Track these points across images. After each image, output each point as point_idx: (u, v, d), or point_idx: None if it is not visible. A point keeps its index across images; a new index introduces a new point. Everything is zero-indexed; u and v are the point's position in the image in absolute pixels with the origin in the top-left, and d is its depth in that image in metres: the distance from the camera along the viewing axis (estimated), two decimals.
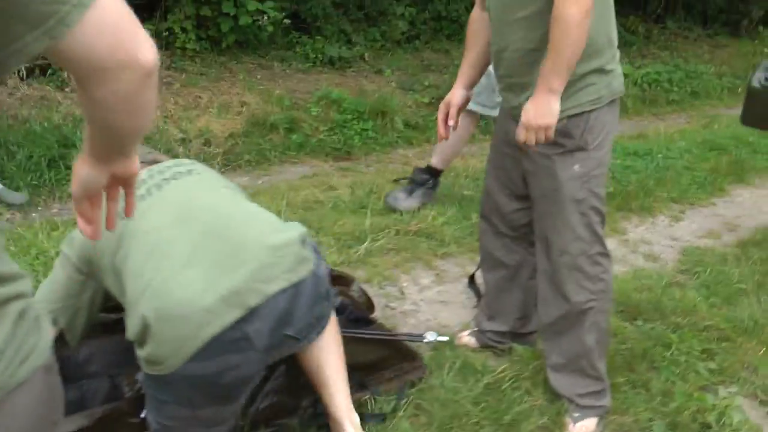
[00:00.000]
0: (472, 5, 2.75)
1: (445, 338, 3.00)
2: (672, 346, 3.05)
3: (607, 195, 4.57)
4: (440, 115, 2.79)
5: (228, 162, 5.37)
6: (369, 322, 2.91)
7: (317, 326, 2.21)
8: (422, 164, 4.66)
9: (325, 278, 2.24)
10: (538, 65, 2.33)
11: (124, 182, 1.27)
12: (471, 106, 4.23)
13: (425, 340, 2.95)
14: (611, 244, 4.04)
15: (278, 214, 4.26)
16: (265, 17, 6.37)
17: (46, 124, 4.89)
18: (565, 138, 2.39)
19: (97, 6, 0.90)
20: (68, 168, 4.65)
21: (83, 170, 1.20)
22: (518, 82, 2.46)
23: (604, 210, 2.53)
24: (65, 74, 5.44)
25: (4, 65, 0.88)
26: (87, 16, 0.89)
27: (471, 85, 2.79)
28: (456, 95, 2.77)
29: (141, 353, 2.02)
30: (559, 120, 2.31)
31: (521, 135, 2.35)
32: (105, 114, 1.03)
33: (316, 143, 5.80)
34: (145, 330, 1.97)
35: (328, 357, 2.31)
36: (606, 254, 2.55)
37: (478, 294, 3.47)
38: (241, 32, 6.57)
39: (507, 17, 2.41)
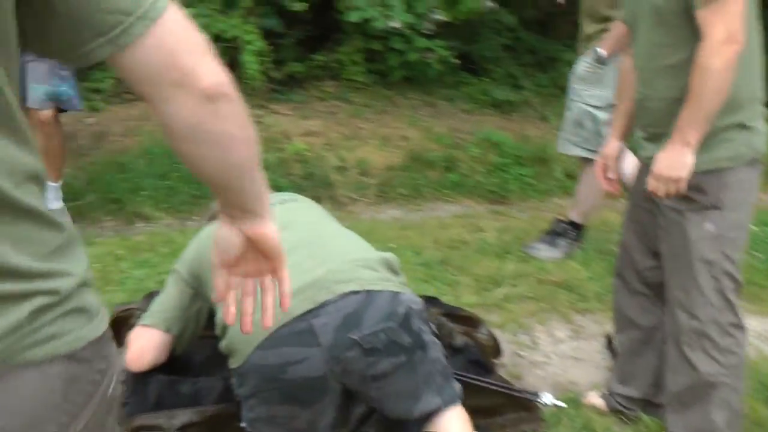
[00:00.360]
0: None
1: (563, 404, 2.82)
2: None
3: None
4: (599, 171, 2.77)
5: (382, 193, 5.45)
6: (487, 367, 2.84)
7: (390, 351, 2.09)
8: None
9: (410, 307, 2.17)
10: None
11: (265, 253, 1.24)
12: (582, 153, 4.12)
13: (541, 401, 2.79)
14: (765, 323, 3.78)
15: (422, 249, 4.28)
16: (433, 55, 6.44)
17: None
18: (699, 194, 2.27)
19: (162, 22, 0.92)
20: None
21: (218, 231, 1.22)
22: (661, 132, 2.36)
23: (740, 278, 2.37)
24: None
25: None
26: (151, 31, 0.91)
27: (626, 136, 2.71)
28: (611, 147, 2.72)
29: (222, 345, 2.15)
30: (694, 174, 2.22)
31: (651, 185, 2.28)
32: (177, 145, 1.03)
33: (473, 184, 5.78)
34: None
35: None
36: (740, 326, 2.38)
37: (614, 355, 3.32)
38: (409, 68, 6.67)
39: (653, 65, 2.34)
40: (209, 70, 0.98)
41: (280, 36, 6.19)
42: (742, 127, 2.28)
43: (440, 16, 6.29)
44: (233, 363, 2.13)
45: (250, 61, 5.45)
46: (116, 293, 3.49)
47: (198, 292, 2.46)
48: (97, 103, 5.34)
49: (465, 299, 3.72)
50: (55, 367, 0.91)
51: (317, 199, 5.02)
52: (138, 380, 2.54)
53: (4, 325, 0.85)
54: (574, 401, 2.93)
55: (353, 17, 5.99)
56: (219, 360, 2.81)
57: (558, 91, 7.45)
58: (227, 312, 1.28)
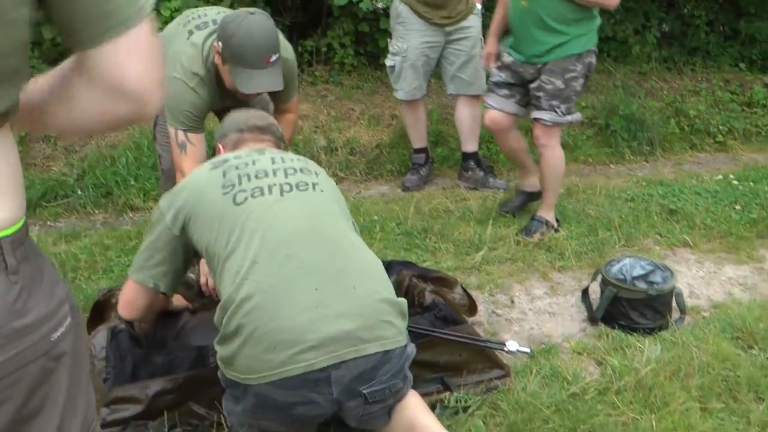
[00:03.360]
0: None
1: (527, 350, 2.92)
2: None
3: (750, 220, 4.32)
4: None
5: (370, 171, 5.49)
6: (456, 323, 2.90)
7: (387, 400, 2.20)
8: None
9: (410, 360, 2.26)
10: None
11: None
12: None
13: (506, 350, 2.87)
14: (744, 270, 3.80)
15: (404, 220, 4.33)
16: None
17: None
18: None
19: (136, 32, 1.04)
20: None
21: None
22: None
23: None
24: None
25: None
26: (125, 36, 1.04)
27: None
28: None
29: (221, 350, 2.14)
30: None
31: None
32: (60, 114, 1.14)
33: (460, 157, 5.79)
34: (235, 335, 2.09)
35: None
36: None
37: (589, 308, 3.38)
38: None
39: None
40: (156, 98, 1.10)
41: None
42: None
43: None
44: (230, 372, 2.12)
45: None
46: (102, 280, 3.59)
47: (185, 238, 2.42)
48: None
49: (445, 264, 3.78)
50: None
51: None
52: (116, 356, 2.64)
53: None
54: (546, 351, 3.00)
55: (340, 1, 6.04)
56: (193, 332, 2.92)
57: None
58: None
